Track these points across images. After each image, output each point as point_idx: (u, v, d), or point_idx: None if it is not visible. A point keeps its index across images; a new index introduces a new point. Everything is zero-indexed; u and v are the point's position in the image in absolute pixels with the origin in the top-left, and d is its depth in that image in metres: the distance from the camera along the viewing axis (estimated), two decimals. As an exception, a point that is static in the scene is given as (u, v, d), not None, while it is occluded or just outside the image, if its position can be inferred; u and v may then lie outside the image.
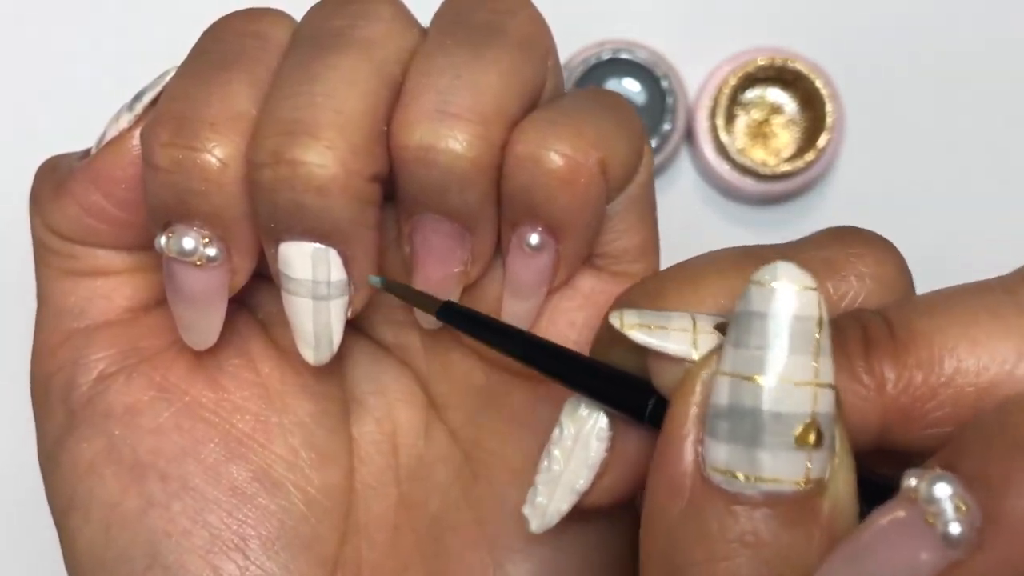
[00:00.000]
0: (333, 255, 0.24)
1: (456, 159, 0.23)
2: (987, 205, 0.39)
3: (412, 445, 0.27)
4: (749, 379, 0.19)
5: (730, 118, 0.38)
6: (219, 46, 0.24)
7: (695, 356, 0.20)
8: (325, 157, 0.22)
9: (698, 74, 0.38)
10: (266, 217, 0.23)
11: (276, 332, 0.27)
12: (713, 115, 0.38)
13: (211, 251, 0.24)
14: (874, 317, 0.20)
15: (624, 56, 0.38)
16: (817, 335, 0.19)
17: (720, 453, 0.19)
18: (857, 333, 0.20)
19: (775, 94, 0.38)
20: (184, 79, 0.24)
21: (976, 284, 0.20)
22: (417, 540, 0.27)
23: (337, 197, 0.23)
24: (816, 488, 0.19)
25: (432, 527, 0.27)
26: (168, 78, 0.25)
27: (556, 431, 0.22)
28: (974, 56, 0.39)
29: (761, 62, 0.37)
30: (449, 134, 0.23)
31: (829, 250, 0.22)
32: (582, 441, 0.22)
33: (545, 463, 0.22)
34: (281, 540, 0.25)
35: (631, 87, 0.38)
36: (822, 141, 0.37)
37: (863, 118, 0.39)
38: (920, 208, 0.39)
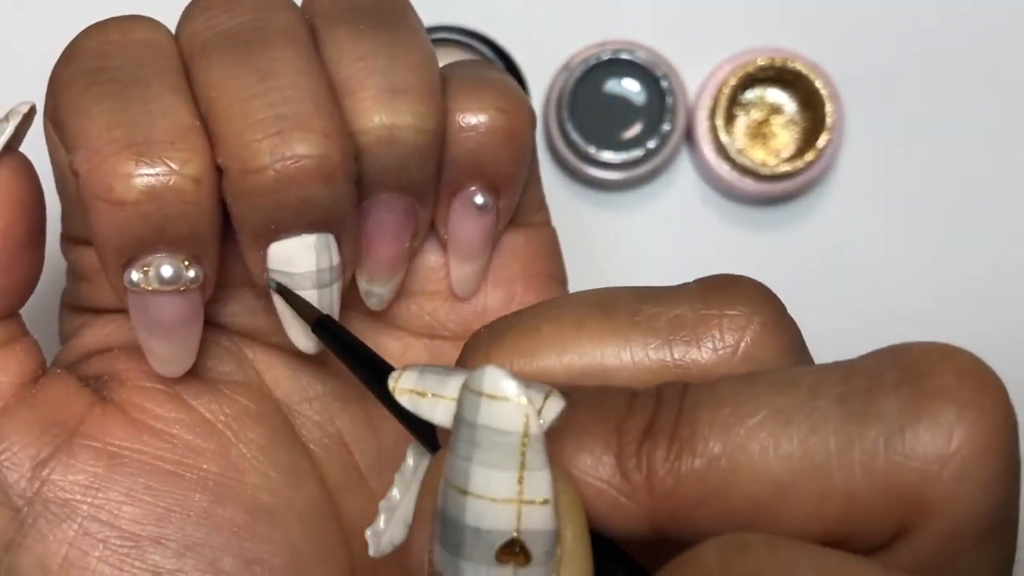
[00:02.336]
0: (331, 239, 0.24)
1: (418, 133, 0.23)
2: (987, 205, 0.39)
3: (362, 442, 0.27)
4: (455, 488, 0.18)
5: (730, 118, 0.38)
6: (109, 62, 0.23)
7: None
8: (325, 146, 0.22)
9: (698, 74, 0.38)
10: (264, 220, 0.23)
11: (196, 365, 0.26)
12: (713, 115, 0.38)
13: (192, 273, 0.23)
14: (669, 401, 0.18)
15: (624, 56, 0.38)
16: (523, 450, 0.17)
17: (436, 554, 0.18)
18: (642, 419, 0.18)
19: (775, 94, 0.38)
20: (100, 104, 0.22)
21: (788, 376, 0.18)
22: None
23: (340, 183, 0.23)
24: None
25: None
26: (19, 118, 0.23)
27: (403, 461, 0.22)
28: (974, 56, 0.39)
29: (761, 62, 0.37)
30: (407, 110, 0.23)
31: (685, 306, 0.20)
32: (419, 477, 0.21)
33: (390, 491, 0.22)
34: (299, 564, 0.25)
35: (631, 87, 0.38)
36: (822, 141, 0.37)
37: (863, 118, 0.39)
38: (920, 208, 0.39)
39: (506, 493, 0.17)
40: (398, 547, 0.22)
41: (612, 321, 0.20)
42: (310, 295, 0.24)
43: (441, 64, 0.25)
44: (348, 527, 0.26)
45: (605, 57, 0.38)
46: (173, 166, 0.22)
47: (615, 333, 0.20)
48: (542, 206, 0.28)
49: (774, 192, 0.38)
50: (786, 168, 0.37)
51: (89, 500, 0.24)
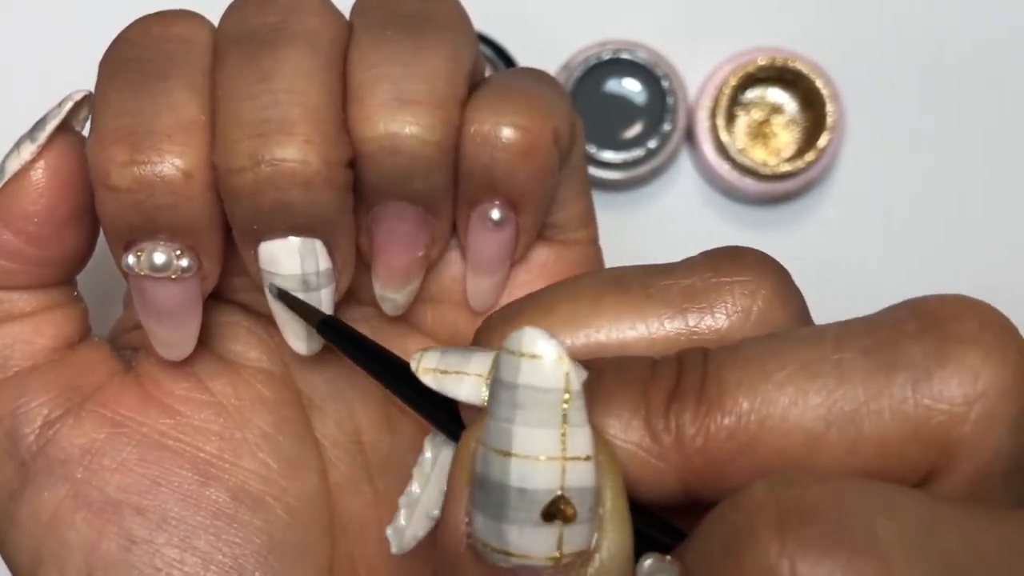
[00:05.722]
0: (319, 245, 0.24)
1: (422, 145, 0.23)
2: (987, 205, 0.39)
3: (378, 441, 0.27)
4: (497, 451, 0.18)
5: (730, 118, 0.38)
6: (144, 54, 0.24)
7: (485, 404, 0.19)
8: (305, 152, 0.22)
9: (698, 74, 0.38)
10: (246, 220, 0.23)
11: (220, 348, 0.27)
12: (713, 115, 0.38)
13: (184, 262, 0.23)
14: (692, 364, 0.19)
15: (624, 56, 0.38)
16: (564, 407, 0.17)
17: (477, 522, 0.18)
18: (667, 382, 0.19)
19: (775, 94, 0.38)
20: (120, 93, 0.23)
21: (811, 332, 0.19)
22: None
23: (321, 190, 0.23)
24: (577, 560, 0.18)
25: None
26: (71, 104, 0.24)
27: (420, 454, 0.22)
28: (974, 56, 0.39)
29: (761, 62, 0.37)
30: (412, 120, 0.23)
31: (695, 276, 0.21)
32: (439, 468, 0.21)
33: (408, 486, 0.22)
34: (274, 553, 0.25)
35: (631, 87, 0.38)
36: (822, 141, 0.37)
37: (863, 118, 0.39)
38: (920, 208, 0.39)
39: (550, 451, 0.17)
40: (421, 540, 0.22)
41: (626, 295, 0.21)
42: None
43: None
44: (339, 525, 0.26)
45: (605, 57, 0.38)
46: (165, 158, 0.22)
47: (630, 306, 0.21)
48: (585, 224, 0.27)
49: (775, 192, 0.38)
50: (787, 168, 0.37)
51: (85, 463, 0.25)
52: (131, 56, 0.24)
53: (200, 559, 0.25)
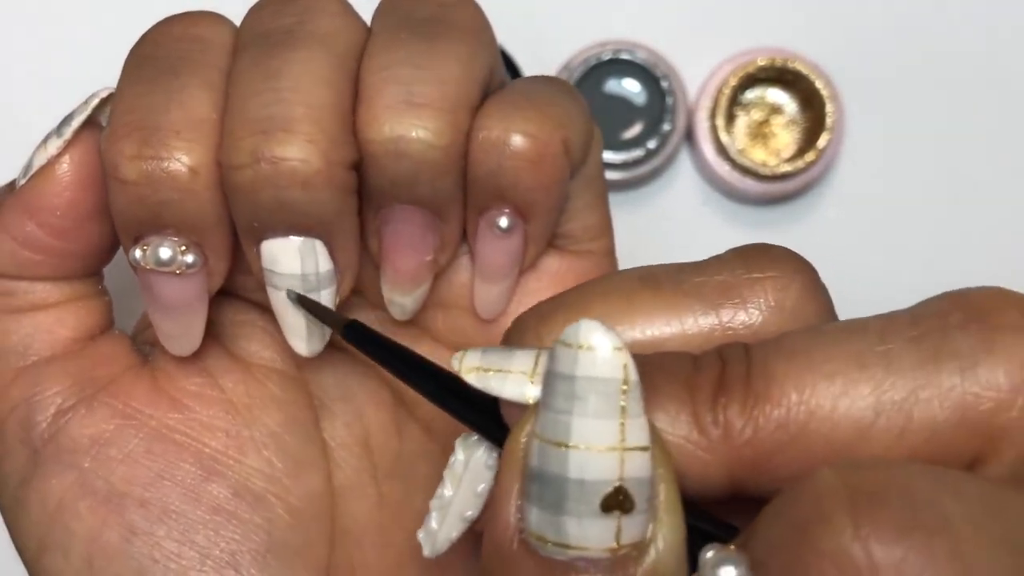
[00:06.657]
0: (319, 246, 0.24)
1: (428, 148, 0.23)
2: (987, 205, 0.39)
3: (385, 444, 0.27)
4: (554, 444, 0.18)
5: (730, 118, 0.38)
6: (162, 52, 0.24)
7: (531, 401, 0.19)
8: (306, 151, 0.22)
9: (698, 74, 0.38)
10: (248, 217, 0.23)
11: (234, 346, 0.27)
12: (713, 115, 0.38)
13: (189, 258, 0.24)
14: (735, 358, 0.19)
15: (624, 56, 0.38)
16: (622, 399, 0.18)
17: (532, 516, 0.18)
18: (711, 375, 0.19)
19: (775, 94, 0.38)
20: (135, 89, 0.23)
21: (854, 324, 0.19)
22: (408, 536, 0.27)
23: (321, 189, 0.23)
24: (633, 551, 0.18)
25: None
26: (96, 101, 0.24)
27: (452, 456, 0.22)
28: (974, 56, 0.39)
29: (761, 62, 0.37)
30: (419, 124, 0.23)
31: (727, 273, 0.21)
32: (472, 469, 0.21)
33: (440, 489, 0.22)
34: (272, 552, 0.25)
35: (631, 87, 0.38)
36: (822, 141, 0.37)
37: (863, 118, 0.39)
38: (920, 209, 0.39)
39: (609, 441, 0.18)
40: (454, 542, 0.22)
41: (659, 293, 0.21)
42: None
43: None
44: (341, 528, 0.26)
45: (605, 57, 0.38)
46: (172, 154, 0.22)
47: (664, 304, 0.21)
48: (599, 235, 0.27)
49: (774, 192, 0.38)
50: (786, 168, 0.37)
51: (92, 453, 0.25)
52: (150, 54, 0.24)
53: (197, 553, 0.25)
